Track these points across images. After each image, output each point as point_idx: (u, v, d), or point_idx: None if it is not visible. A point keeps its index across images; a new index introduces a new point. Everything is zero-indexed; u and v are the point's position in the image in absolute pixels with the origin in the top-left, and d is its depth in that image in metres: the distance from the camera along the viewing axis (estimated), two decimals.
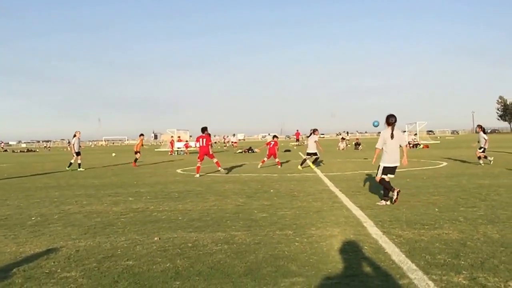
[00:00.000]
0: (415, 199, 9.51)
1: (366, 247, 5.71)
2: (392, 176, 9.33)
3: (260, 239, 6.30)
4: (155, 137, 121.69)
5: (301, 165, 19.26)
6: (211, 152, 16.99)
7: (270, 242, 6.15)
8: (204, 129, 17.03)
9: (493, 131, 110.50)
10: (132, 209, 9.34)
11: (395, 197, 8.90)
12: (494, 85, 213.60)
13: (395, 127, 9.12)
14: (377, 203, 9.12)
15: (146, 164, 26.11)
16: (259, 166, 20.02)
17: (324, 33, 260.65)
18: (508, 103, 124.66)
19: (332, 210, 8.53)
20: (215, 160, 17.27)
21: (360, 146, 39.40)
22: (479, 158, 18.25)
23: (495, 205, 8.51)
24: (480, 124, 19.58)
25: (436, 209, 8.20)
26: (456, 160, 21.49)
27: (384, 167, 9.21)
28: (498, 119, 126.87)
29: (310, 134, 20.11)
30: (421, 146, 41.20)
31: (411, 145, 40.27)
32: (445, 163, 19.73)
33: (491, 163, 17.82)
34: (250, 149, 40.38)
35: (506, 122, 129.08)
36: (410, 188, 11.29)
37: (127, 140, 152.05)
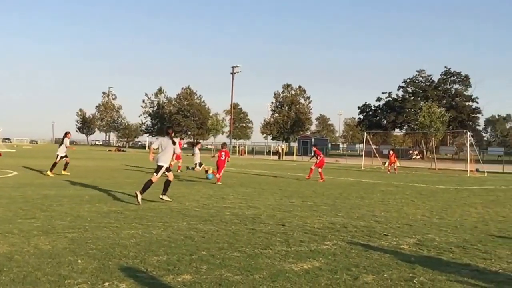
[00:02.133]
0: None
1: None
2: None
3: None
4: None
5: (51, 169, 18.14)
6: None
7: None
8: None
9: (72, 143, 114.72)
10: None
11: None
12: (76, 97, 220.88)
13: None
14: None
15: None
16: None
17: None
18: (86, 116, 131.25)
19: None
20: None
21: None
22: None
23: (54, 215, 8.61)
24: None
25: None
26: (30, 169, 20.97)
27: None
28: (77, 131, 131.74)
29: (63, 138, 19.35)
30: None
31: None
32: (16, 173, 19.00)
33: None
34: None
35: (84, 134, 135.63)
36: None
37: None
